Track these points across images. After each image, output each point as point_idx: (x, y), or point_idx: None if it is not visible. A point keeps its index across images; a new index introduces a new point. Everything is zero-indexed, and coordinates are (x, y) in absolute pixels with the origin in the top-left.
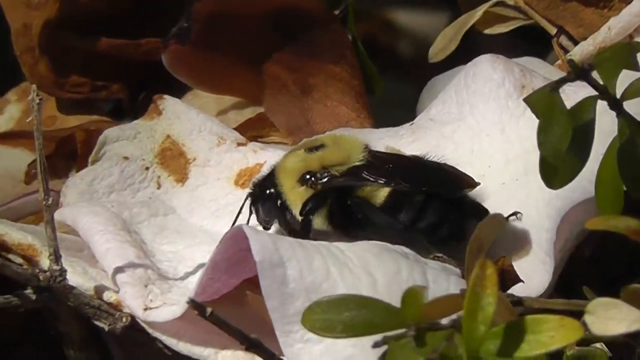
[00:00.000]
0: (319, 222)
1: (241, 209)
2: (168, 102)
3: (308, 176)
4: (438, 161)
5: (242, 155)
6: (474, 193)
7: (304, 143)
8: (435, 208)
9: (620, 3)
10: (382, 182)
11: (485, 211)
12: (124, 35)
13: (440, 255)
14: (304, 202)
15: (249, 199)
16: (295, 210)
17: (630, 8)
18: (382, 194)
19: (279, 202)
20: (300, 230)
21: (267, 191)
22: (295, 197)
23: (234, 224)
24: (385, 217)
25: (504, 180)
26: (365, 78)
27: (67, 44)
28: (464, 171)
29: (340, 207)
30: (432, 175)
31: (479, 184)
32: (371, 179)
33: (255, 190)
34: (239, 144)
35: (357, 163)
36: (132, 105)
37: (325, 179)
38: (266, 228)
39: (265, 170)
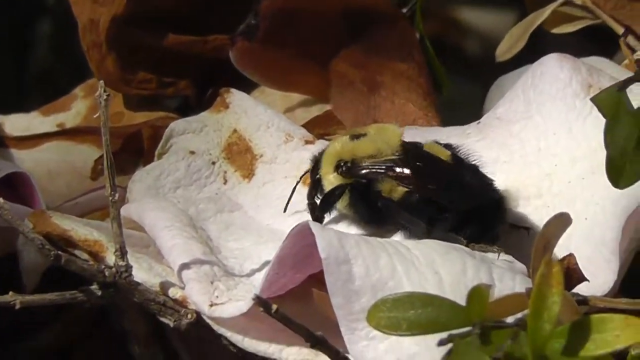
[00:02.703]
0: (342, 207)
1: (292, 193)
2: (235, 96)
3: (341, 164)
4: (476, 169)
5: (310, 153)
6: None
7: (353, 129)
8: (453, 213)
9: None
10: (401, 182)
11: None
12: (192, 32)
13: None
14: (330, 190)
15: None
16: None
17: None
18: (400, 190)
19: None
20: (315, 214)
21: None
22: (328, 182)
23: (286, 206)
24: (405, 214)
25: (570, 179)
26: (432, 77)
27: (134, 40)
28: (491, 180)
29: (364, 197)
30: (452, 184)
31: (498, 197)
32: (390, 176)
33: (310, 168)
34: (306, 142)
35: (386, 157)
36: (199, 102)
37: (350, 170)
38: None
39: (321, 149)
